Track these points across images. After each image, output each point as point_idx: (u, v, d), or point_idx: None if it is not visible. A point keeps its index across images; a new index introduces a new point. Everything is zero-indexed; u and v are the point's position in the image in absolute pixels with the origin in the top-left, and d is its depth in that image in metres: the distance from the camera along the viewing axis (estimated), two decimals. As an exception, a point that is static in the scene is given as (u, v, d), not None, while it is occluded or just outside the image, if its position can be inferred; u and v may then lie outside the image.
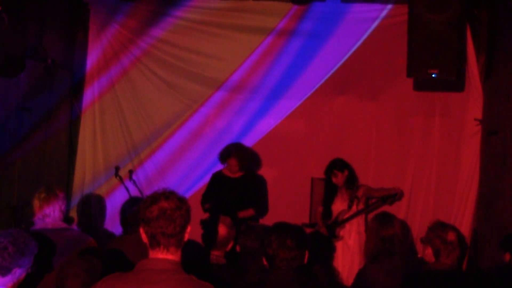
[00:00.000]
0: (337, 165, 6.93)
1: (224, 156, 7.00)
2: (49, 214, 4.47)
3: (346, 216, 6.83)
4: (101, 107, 7.66)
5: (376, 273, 4.37)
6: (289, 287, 3.42)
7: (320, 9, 7.35)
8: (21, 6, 5.76)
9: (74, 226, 6.70)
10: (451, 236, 4.07)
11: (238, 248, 4.53)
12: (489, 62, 6.99)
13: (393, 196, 6.79)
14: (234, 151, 6.98)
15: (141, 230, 2.80)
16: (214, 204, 6.92)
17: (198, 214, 6.95)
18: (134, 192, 7.24)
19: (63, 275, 3.61)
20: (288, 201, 7.48)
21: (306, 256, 3.56)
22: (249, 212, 6.90)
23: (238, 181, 7.05)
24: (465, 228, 7.03)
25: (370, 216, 6.73)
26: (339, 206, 6.91)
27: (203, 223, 6.64)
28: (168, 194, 2.79)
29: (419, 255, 6.67)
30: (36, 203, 4.50)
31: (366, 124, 7.52)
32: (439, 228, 4.14)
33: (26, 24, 6.08)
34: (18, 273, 3.23)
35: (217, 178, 7.12)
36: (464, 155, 7.27)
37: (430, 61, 6.23)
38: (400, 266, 4.33)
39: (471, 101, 7.20)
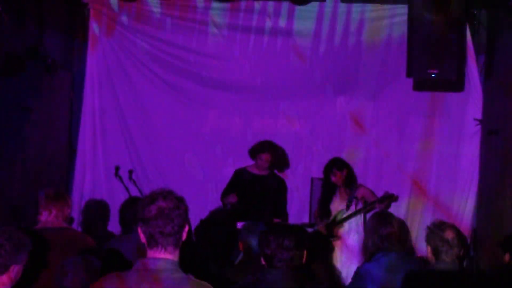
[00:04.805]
0: (337, 164, 6.91)
1: (258, 150, 6.91)
2: (52, 214, 4.48)
3: (345, 215, 6.82)
4: (101, 106, 7.66)
5: (373, 271, 4.37)
6: (287, 287, 3.42)
7: (320, 9, 7.36)
8: (21, 6, 5.77)
9: (74, 226, 6.70)
10: (449, 234, 4.03)
11: (241, 247, 4.52)
12: (489, 62, 6.99)
13: (389, 197, 6.75)
14: (268, 146, 6.93)
15: (139, 230, 2.79)
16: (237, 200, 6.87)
17: (198, 214, 6.95)
18: (134, 192, 7.23)
19: (62, 274, 3.61)
20: (288, 201, 7.47)
21: (305, 255, 3.56)
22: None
23: (263, 179, 6.97)
24: (465, 228, 7.02)
25: (369, 215, 6.74)
26: (337, 205, 6.90)
27: (203, 223, 6.66)
28: (166, 194, 2.78)
29: (418, 255, 6.68)
30: (42, 202, 4.51)
31: (366, 124, 7.52)
32: (437, 226, 4.12)
33: (26, 24, 6.10)
34: (15, 270, 3.23)
35: (241, 174, 7.02)
36: (464, 155, 7.28)
37: (430, 61, 6.24)
38: (398, 265, 4.33)
39: (471, 101, 7.21)
